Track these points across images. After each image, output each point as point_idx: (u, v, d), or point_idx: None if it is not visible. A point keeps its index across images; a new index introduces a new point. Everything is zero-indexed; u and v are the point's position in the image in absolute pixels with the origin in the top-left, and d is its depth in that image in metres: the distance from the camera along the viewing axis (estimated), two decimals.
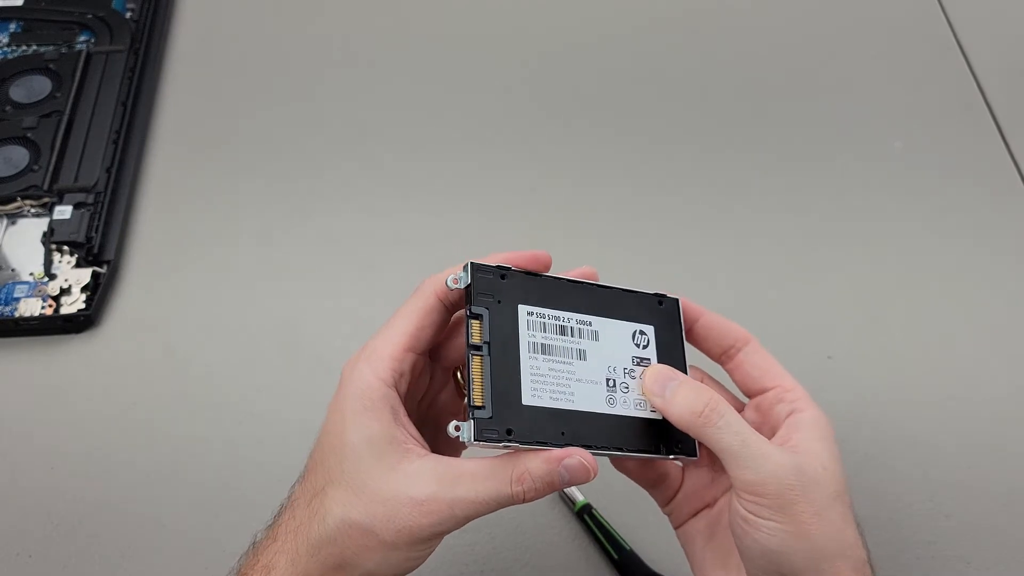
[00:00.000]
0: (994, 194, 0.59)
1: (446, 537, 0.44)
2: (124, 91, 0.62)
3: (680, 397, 0.32)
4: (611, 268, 0.55)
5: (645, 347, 0.35)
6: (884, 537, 0.45)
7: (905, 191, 0.60)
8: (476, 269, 0.32)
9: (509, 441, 0.30)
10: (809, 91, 0.66)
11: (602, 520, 0.44)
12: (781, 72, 0.67)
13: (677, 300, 0.36)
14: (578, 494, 0.45)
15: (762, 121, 0.64)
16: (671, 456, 0.33)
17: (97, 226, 0.55)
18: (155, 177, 0.60)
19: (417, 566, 0.32)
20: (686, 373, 0.35)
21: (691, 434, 0.32)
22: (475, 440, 0.30)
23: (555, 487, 0.30)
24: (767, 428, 0.34)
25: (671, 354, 0.35)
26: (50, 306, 0.52)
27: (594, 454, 0.31)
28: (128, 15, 0.67)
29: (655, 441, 0.33)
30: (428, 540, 0.30)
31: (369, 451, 0.30)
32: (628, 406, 0.33)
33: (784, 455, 0.31)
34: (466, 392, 0.31)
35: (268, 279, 0.55)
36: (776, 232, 0.57)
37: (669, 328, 0.36)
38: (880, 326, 0.53)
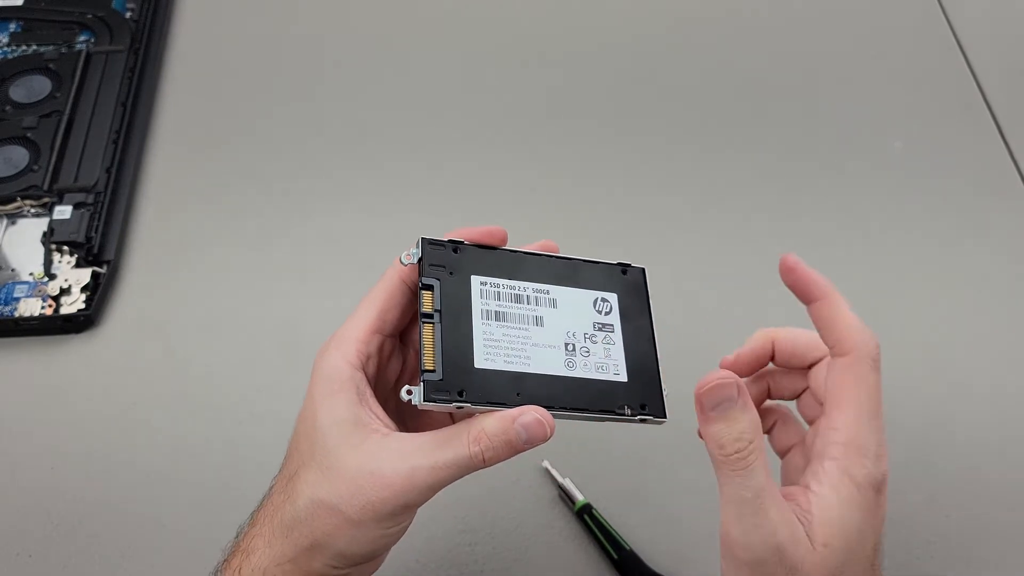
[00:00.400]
0: (994, 194, 0.60)
1: (446, 536, 0.44)
2: (124, 91, 0.62)
3: (717, 425, 0.30)
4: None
5: (608, 314, 0.35)
6: (884, 537, 0.45)
7: (905, 191, 0.60)
8: (428, 243, 0.33)
9: (461, 402, 0.30)
10: (809, 91, 0.66)
11: (602, 520, 0.44)
12: (781, 72, 0.67)
13: (643, 269, 0.37)
14: (578, 494, 0.45)
15: (762, 121, 0.64)
16: (637, 418, 0.33)
17: (97, 226, 0.55)
18: (155, 177, 0.60)
19: (390, 543, 0.32)
20: (655, 345, 0.35)
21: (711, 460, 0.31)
22: (425, 401, 0.30)
23: (514, 446, 0.30)
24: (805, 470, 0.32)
25: (637, 322, 0.35)
26: (50, 306, 0.52)
27: (555, 416, 0.31)
28: (128, 15, 0.67)
29: (619, 402, 0.33)
30: (394, 515, 0.30)
31: (337, 432, 0.31)
32: (588, 369, 0.33)
33: (776, 531, 0.29)
34: (419, 359, 0.31)
35: (268, 279, 0.55)
36: (776, 232, 0.57)
37: (634, 296, 0.36)
38: (880, 326, 0.53)
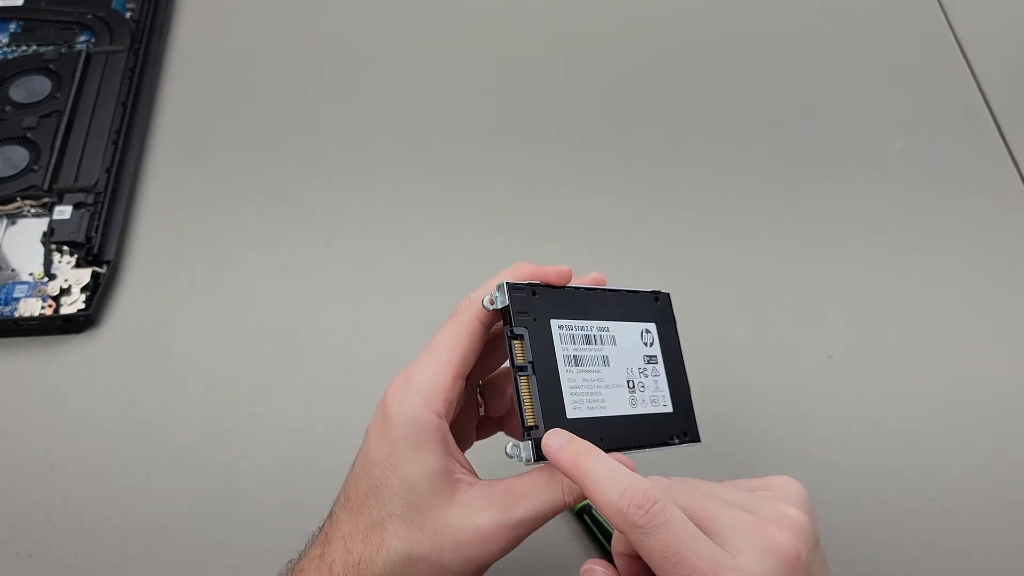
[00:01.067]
0: (994, 194, 0.59)
1: None
2: (124, 91, 0.62)
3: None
4: (610, 269, 0.55)
5: (651, 344, 0.36)
6: (884, 537, 0.45)
7: (905, 191, 0.60)
8: (512, 288, 0.32)
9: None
10: (809, 91, 0.66)
11: (602, 520, 0.44)
12: (781, 72, 0.67)
13: (668, 295, 0.38)
14: None
15: (762, 122, 0.64)
16: (681, 445, 0.36)
17: (97, 226, 0.55)
18: (155, 177, 0.60)
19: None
20: (685, 370, 0.37)
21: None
22: (535, 461, 0.31)
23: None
24: None
25: (670, 348, 0.37)
26: (50, 306, 0.52)
27: (626, 453, 0.32)
28: (128, 15, 0.67)
29: (670, 432, 0.36)
30: (492, 564, 0.31)
31: (427, 485, 0.31)
32: (646, 404, 0.35)
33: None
34: (517, 412, 0.31)
35: (268, 279, 0.55)
36: (776, 232, 0.57)
37: (666, 323, 0.38)
38: (880, 326, 0.53)
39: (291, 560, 0.34)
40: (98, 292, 0.53)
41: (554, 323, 0.33)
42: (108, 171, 0.58)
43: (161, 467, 0.47)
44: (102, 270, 0.54)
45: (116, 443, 0.48)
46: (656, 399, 0.36)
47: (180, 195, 0.59)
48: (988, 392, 0.50)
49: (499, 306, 0.32)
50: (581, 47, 0.68)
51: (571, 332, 0.34)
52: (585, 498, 0.30)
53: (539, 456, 0.30)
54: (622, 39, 0.69)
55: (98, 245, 0.54)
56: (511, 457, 0.31)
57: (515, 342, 0.32)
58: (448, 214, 0.58)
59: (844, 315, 0.53)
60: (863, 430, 0.49)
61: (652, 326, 0.37)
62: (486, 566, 0.31)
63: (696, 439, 0.36)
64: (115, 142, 0.59)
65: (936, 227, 0.58)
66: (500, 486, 0.31)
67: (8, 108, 0.60)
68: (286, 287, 0.54)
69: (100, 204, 0.56)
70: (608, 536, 0.43)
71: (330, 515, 0.34)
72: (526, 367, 0.32)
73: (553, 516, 0.31)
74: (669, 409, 0.36)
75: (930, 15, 0.70)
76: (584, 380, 0.33)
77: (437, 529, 0.30)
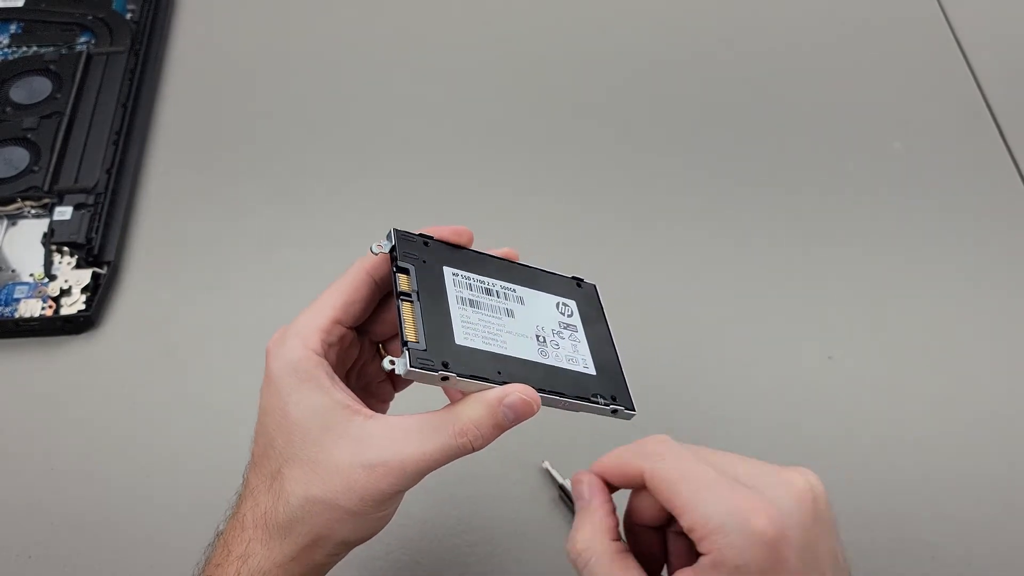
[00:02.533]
0: (994, 195, 0.60)
1: (446, 536, 0.44)
2: (124, 92, 0.62)
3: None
4: (610, 269, 0.55)
5: (570, 316, 0.36)
6: (884, 537, 0.45)
7: (905, 192, 0.60)
8: (399, 234, 0.33)
9: (446, 372, 0.30)
10: (810, 92, 0.66)
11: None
12: (782, 73, 0.67)
13: (594, 285, 0.37)
14: None
15: (763, 122, 0.64)
16: (610, 408, 0.33)
17: (97, 227, 0.55)
18: (155, 178, 0.60)
19: (388, 521, 0.32)
20: (615, 348, 0.35)
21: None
22: (411, 366, 0.29)
23: (502, 428, 0.30)
24: None
25: (596, 327, 0.36)
26: (50, 307, 0.52)
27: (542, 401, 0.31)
28: (128, 16, 0.67)
29: (593, 391, 0.33)
30: (391, 500, 0.31)
31: (315, 422, 0.30)
32: (560, 359, 0.33)
33: None
34: (399, 334, 0.31)
35: (268, 280, 0.55)
36: (776, 232, 0.57)
37: (591, 306, 0.37)
38: (880, 326, 0.53)
39: (218, 527, 0.34)
40: (98, 293, 0.53)
41: (447, 269, 0.33)
42: (108, 172, 0.58)
43: (161, 468, 0.47)
44: (102, 271, 0.54)
45: (116, 444, 0.48)
46: (574, 359, 0.34)
47: (180, 196, 0.59)
48: (988, 392, 0.50)
49: (386, 250, 0.33)
50: (580, 49, 0.68)
51: (468, 281, 0.34)
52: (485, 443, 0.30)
53: (415, 363, 0.29)
54: (623, 39, 0.69)
55: (98, 246, 0.54)
56: (388, 370, 0.30)
57: (400, 275, 0.32)
58: (448, 215, 0.58)
59: (845, 316, 0.53)
60: (863, 430, 0.49)
61: (572, 303, 0.36)
62: (383, 503, 0.30)
63: (629, 408, 0.33)
64: (115, 143, 0.59)
65: (936, 228, 0.58)
66: (391, 422, 0.30)
67: (8, 109, 0.60)
68: (286, 288, 0.54)
69: (100, 205, 0.56)
70: None
71: (243, 478, 0.34)
72: (410, 294, 0.31)
73: (447, 459, 0.30)
74: (591, 372, 0.34)
75: (931, 16, 0.70)
76: (480, 320, 0.32)
77: (328, 469, 0.30)
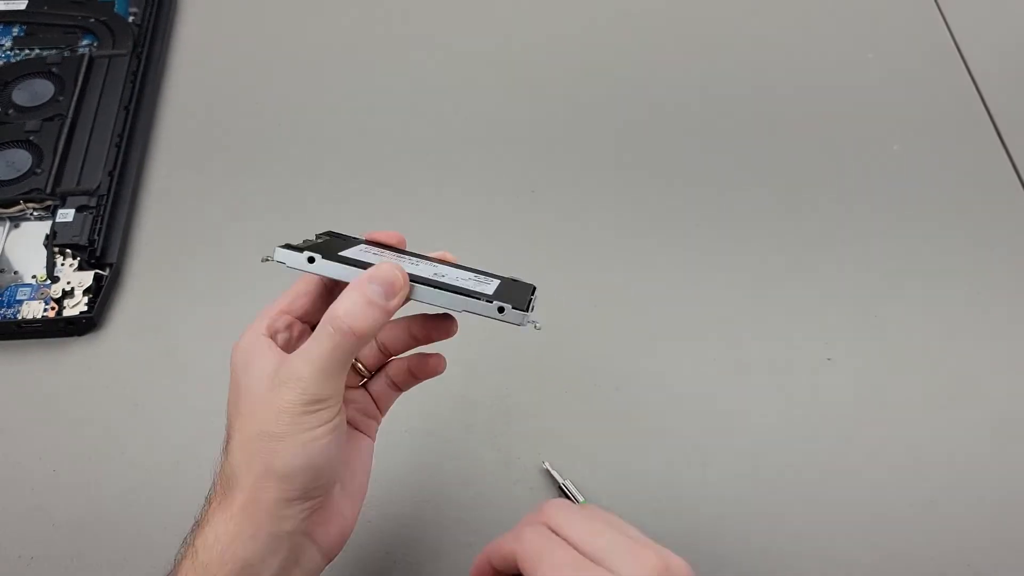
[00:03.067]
0: (993, 196, 0.60)
1: (446, 537, 0.44)
2: (126, 95, 0.62)
3: None
4: (606, 267, 0.55)
5: (485, 284, 0.35)
6: (884, 538, 0.45)
7: (905, 193, 0.60)
8: (331, 234, 0.35)
9: (313, 254, 0.33)
10: (809, 94, 0.66)
11: None
12: (780, 74, 0.67)
13: (533, 286, 0.36)
14: (578, 495, 0.45)
15: (762, 125, 0.64)
16: (495, 304, 0.32)
17: (99, 229, 0.55)
18: (157, 180, 0.60)
19: (320, 448, 0.32)
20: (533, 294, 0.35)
21: None
22: (280, 247, 0.33)
23: (379, 307, 0.32)
24: None
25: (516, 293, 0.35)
26: (53, 309, 0.52)
27: (414, 294, 0.32)
28: (130, 19, 0.68)
29: (482, 296, 0.33)
30: (306, 412, 0.31)
31: (256, 379, 0.33)
32: (455, 281, 0.34)
33: None
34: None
35: (268, 281, 0.55)
36: (775, 233, 0.58)
37: (519, 291, 0.35)
38: (879, 328, 0.53)
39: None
40: (100, 295, 0.53)
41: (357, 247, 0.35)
42: (110, 174, 0.58)
43: (162, 468, 0.47)
44: (104, 273, 0.54)
45: (118, 445, 0.48)
46: (471, 283, 0.34)
47: (182, 198, 0.59)
48: (988, 392, 0.50)
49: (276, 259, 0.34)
50: (579, 52, 0.69)
51: (378, 251, 0.35)
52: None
53: (283, 245, 0.33)
54: (619, 43, 0.69)
55: (100, 248, 0.54)
56: (263, 261, 0.34)
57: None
58: (448, 215, 0.58)
59: (844, 317, 0.54)
60: (862, 431, 0.49)
61: (494, 281, 0.35)
62: (299, 414, 0.31)
63: (521, 308, 0.32)
64: (117, 145, 0.59)
65: (935, 229, 0.58)
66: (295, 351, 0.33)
67: (11, 111, 0.61)
68: (287, 288, 0.54)
69: (102, 207, 0.56)
70: None
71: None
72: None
73: (337, 352, 0.31)
74: (488, 291, 0.33)
75: (929, 19, 0.71)
76: (380, 254, 0.35)
77: (254, 406, 0.32)
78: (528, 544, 0.31)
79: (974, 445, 0.48)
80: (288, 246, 0.33)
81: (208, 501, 0.34)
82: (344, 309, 0.31)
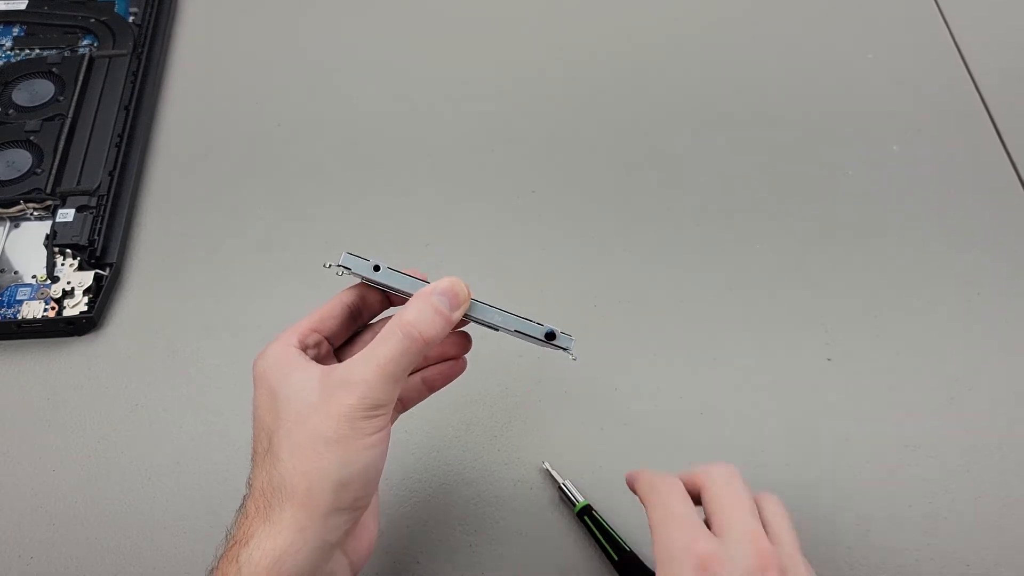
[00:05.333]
0: (993, 197, 0.60)
1: (446, 537, 0.44)
2: (127, 95, 0.62)
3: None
4: (605, 267, 0.55)
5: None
6: (884, 538, 0.45)
7: (904, 194, 0.60)
8: (350, 255, 0.36)
9: (377, 261, 0.34)
10: (808, 93, 0.66)
11: (602, 521, 0.44)
12: (780, 74, 0.67)
13: (570, 335, 0.36)
14: (578, 495, 0.45)
15: (761, 123, 0.64)
16: (544, 331, 0.35)
17: (100, 229, 0.55)
18: (157, 180, 0.60)
19: (377, 460, 0.32)
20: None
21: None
22: (348, 252, 0.34)
23: (445, 317, 0.33)
24: None
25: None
26: (53, 308, 0.52)
27: (471, 316, 0.34)
28: (131, 19, 0.68)
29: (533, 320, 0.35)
30: (367, 417, 0.31)
31: (300, 391, 0.32)
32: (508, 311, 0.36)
33: None
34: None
35: (269, 282, 0.55)
36: (775, 233, 0.58)
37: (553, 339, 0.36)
38: (879, 328, 0.53)
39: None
40: (101, 295, 0.53)
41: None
42: (111, 174, 0.58)
43: (162, 469, 0.47)
44: (105, 273, 0.54)
45: (118, 445, 0.48)
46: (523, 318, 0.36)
47: (182, 198, 0.59)
48: (987, 393, 0.50)
49: (339, 274, 0.35)
50: (579, 52, 0.69)
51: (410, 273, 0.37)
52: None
53: (351, 253, 0.35)
54: (620, 42, 0.69)
55: (101, 248, 0.54)
56: (326, 267, 0.35)
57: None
58: (449, 215, 0.58)
59: (843, 318, 0.54)
60: (862, 432, 0.49)
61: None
62: (360, 420, 0.31)
63: (567, 337, 0.35)
64: (118, 145, 0.59)
65: (935, 230, 0.58)
66: (351, 358, 0.33)
67: (11, 112, 0.61)
68: (287, 289, 0.54)
69: (103, 207, 0.56)
70: (609, 537, 0.43)
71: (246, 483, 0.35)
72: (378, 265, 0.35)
73: (405, 357, 0.32)
74: (542, 328, 0.35)
75: (929, 19, 0.71)
76: None
77: (307, 411, 0.32)
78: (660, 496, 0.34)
79: (973, 445, 0.48)
80: (352, 255, 0.35)
81: (244, 514, 0.33)
82: (414, 316, 0.32)
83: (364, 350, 0.32)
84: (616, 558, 0.43)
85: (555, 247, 0.57)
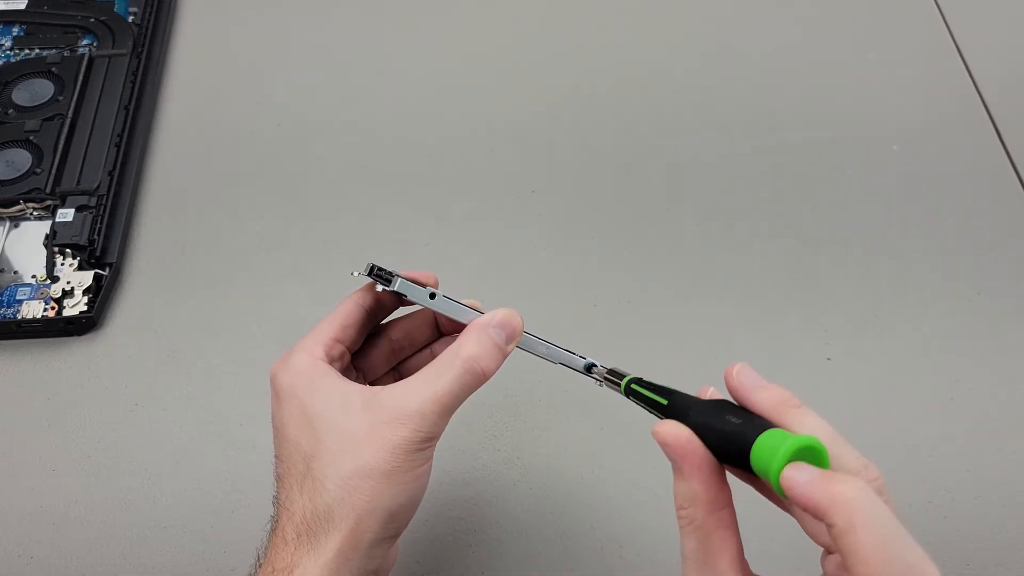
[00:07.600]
0: (993, 197, 0.60)
1: (446, 537, 0.44)
2: (126, 94, 0.62)
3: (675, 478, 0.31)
4: (605, 270, 0.55)
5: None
6: None
7: (904, 194, 0.60)
8: (376, 268, 0.35)
9: (435, 290, 0.34)
10: (808, 94, 0.66)
11: (649, 394, 0.36)
12: (779, 74, 0.67)
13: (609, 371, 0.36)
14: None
15: (761, 125, 0.64)
16: (585, 362, 0.35)
17: (99, 229, 0.55)
18: (157, 180, 0.60)
19: (423, 485, 0.32)
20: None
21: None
22: (403, 278, 0.34)
23: (500, 349, 0.33)
24: None
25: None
26: (52, 308, 0.52)
27: (521, 344, 0.34)
28: (130, 19, 0.68)
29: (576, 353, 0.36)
30: (420, 451, 0.31)
31: (336, 409, 0.31)
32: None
33: None
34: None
35: (269, 282, 0.55)
36: (775, 233, 0.58)
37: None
38: (879, 328, 0.53)
39: (258, 556, 0.33)
40: (100, 294, 0.53)
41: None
42: (110, 174, 0.58)
43: (162, 469, 0.47)
44: (104, 273, 0.54)
45: (118, 445, 0.48)
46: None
47: (182, 198, 0.59)
48: (986, 394, 0.50)
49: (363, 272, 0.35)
50: (580, 52, 0.69)
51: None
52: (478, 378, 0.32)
53: (406, 278, 0.34)
54: (620, 42, 0.69)
55: (100, 248, 0.54)
56: (384, 288, 0.34)
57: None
58: (449, 215, 0.58)
59: (843, 318, 0.54)
60: (862, 431, 0.49)
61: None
62: (413, 453, 0.31)
63: (617, 380, 0.34)
64: (117, 145, 0.59)
65: (935, 229, 0.58)
66: (405, 382, 0.32)
67: (11, 111, 0.61)
68: (287, 289, 0.54)
69: (102, 207, 0.56)
70: (658, 407, 0.36)
71: (273, 508, 0.33)
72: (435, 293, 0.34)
73: (463, 391, 0.31)
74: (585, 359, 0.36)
75: (929, 19, 0.71)
76: None
77: (355, 439, 0.31)
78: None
79: (973, 445, 0.48)
80: (385, 272, 0.34)
81: (283, 539, 0.31)
82: (476, 350, 0.32)
83: (418, 379, 0.32)
84: (665, 403, 0.36)
85: (555, 247, 0.57)
